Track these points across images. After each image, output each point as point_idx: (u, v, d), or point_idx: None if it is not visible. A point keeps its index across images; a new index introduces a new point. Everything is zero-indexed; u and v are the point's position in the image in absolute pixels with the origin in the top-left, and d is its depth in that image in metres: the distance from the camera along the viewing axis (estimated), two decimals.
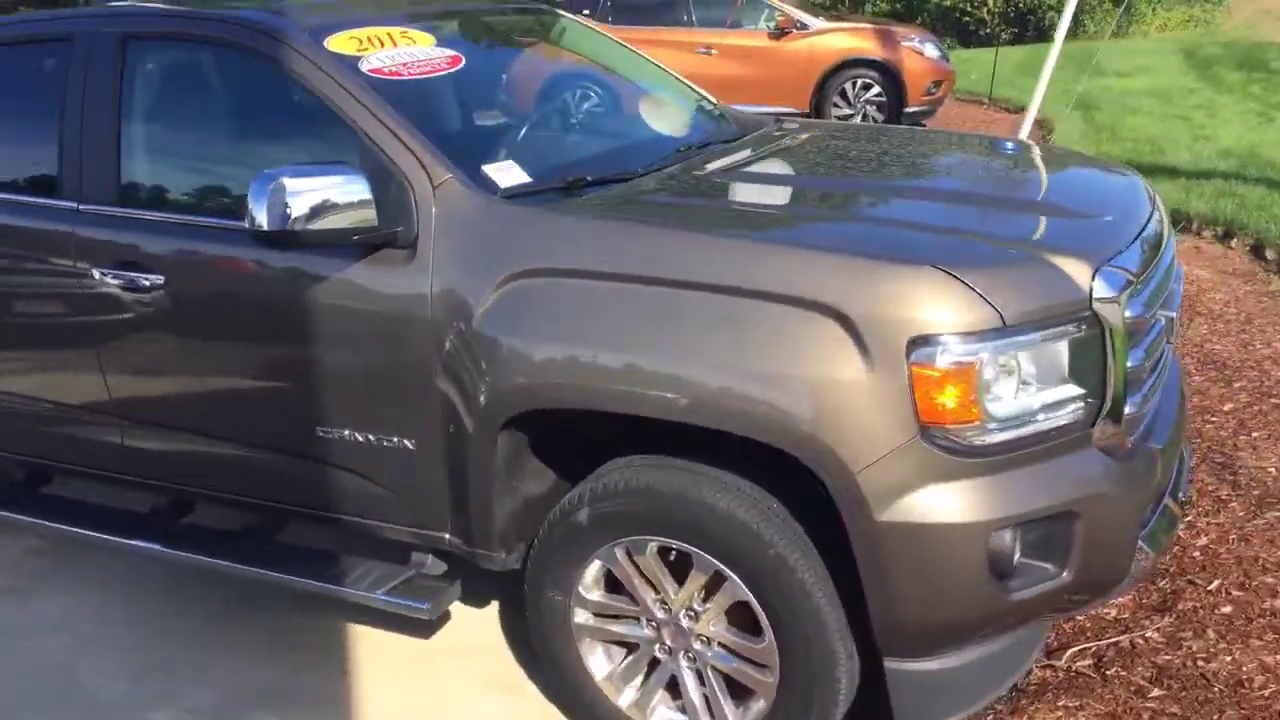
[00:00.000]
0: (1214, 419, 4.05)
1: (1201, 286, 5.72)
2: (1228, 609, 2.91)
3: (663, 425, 2.37)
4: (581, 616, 2.64)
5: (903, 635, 2.30)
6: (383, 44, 2.93)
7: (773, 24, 11.41)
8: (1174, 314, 2.67)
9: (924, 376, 2.14)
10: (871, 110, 11.41)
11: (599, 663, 2.67)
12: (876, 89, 11.32)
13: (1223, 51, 16.04)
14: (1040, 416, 2.25)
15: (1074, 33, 22.07)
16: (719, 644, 2.52)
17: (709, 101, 3.81)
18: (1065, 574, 2.33)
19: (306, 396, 2.79)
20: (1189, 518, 3.36)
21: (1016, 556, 2.28)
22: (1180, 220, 6.93)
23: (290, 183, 2.44)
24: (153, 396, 3.10)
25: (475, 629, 3.24)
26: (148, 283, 2.92)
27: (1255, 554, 3.14)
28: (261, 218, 2.45)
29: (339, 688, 3.05)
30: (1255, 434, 3.89)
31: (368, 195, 2.51)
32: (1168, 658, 2.75)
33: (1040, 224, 2.58)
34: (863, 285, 2.19)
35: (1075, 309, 2.25)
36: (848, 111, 11.42)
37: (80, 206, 3.04)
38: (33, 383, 3.30)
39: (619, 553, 2.52)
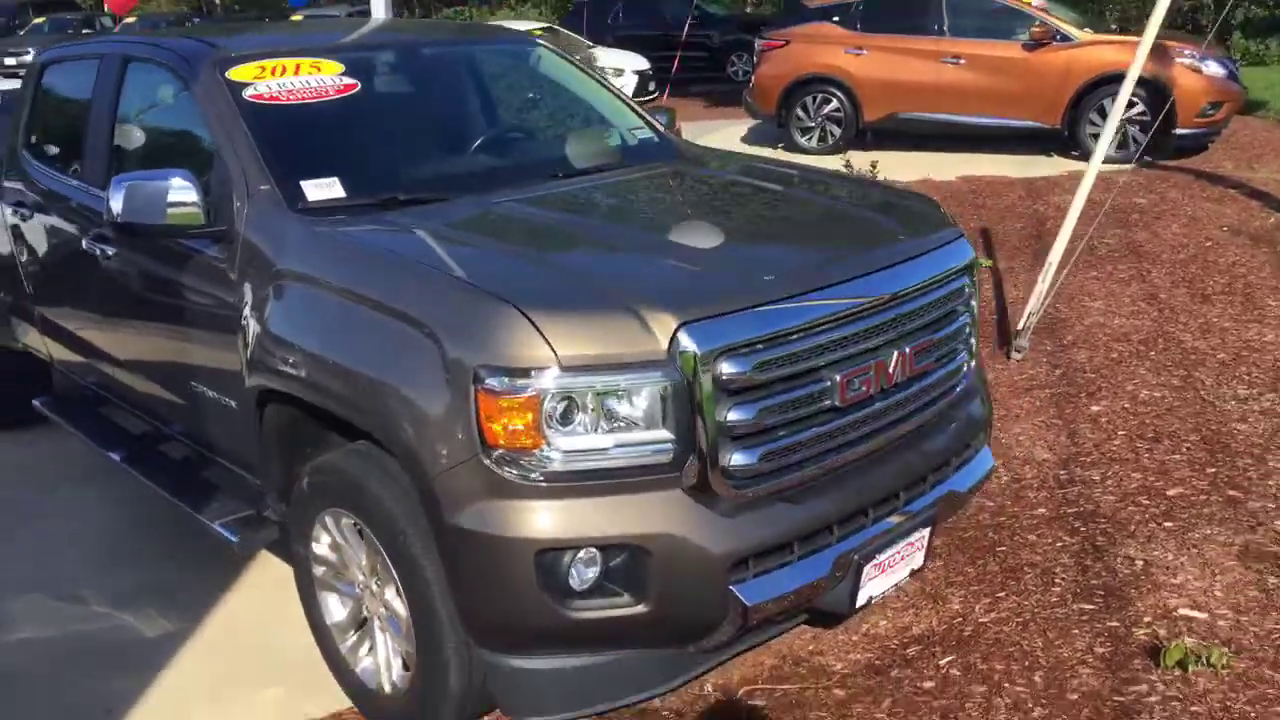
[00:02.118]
0: (1147, 501, 3.70)
1: None
2: (929, 684, 2.82)
3: None
4: (318, 570, 3.09)
5: (475, 630, 2.56)
6: (283, 72, 3.50)
7: (1027, 35, 10.80)
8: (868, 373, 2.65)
9: (485, 402, 2.39)
10: (1134, 131, 10.51)
11: (333, 611, 3.11)
12: (1140, 107, 10.39)
13: None
14: (612, 454, 2.42)
15: None
16: (392, 613, 2.88)
17: (649, 130, 4.03)
18: (642, 605, 2.48)
19: (180, 354, 3.46)
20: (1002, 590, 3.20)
21: (579, 577, 2.45)
22: None
23: (137, 185, 3.08)
24: (123, 347, 3.91)
25: None
26: (111, 252, 3.71)
27: (1018, 641, 2.97)
28: (115, 210, 3.11)
29: (220, 598, 3.71)
30: (1169, 525, 3.54)
31: (195, 198, 3.09)
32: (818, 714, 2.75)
33: (667, 273, 2.63)
34: (453, 313, 2.47)
35: (650, 358, 2.38)
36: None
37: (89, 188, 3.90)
38: (71, 322, 4.24)
39: (328, 520, 2.95)
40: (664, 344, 2.39)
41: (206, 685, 3.23)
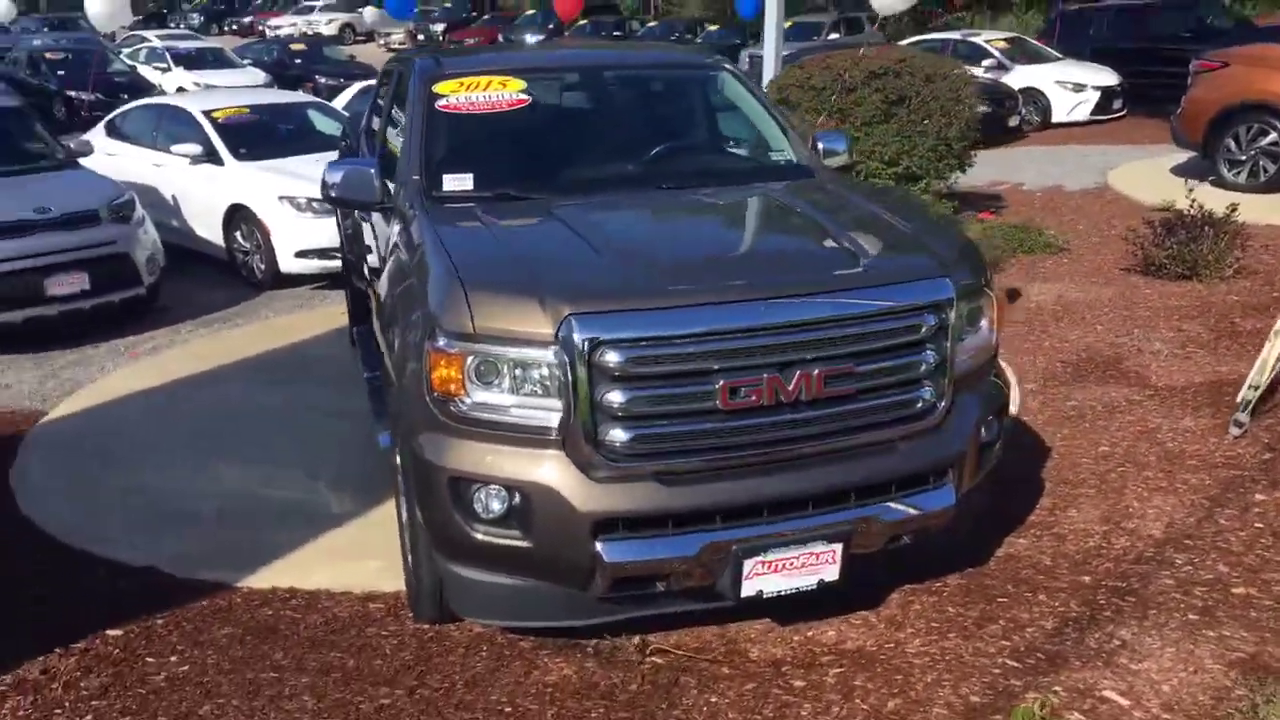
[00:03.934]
0: (1201, 593, 3.37)
1: None
2: (799, 684, 2.99)
3: None
4: (400, 480, 3.90)
5: (430, 537, 3.24)
6: (476, 87, 4.37)
7: None
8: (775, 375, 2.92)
9: (432, 354, 3.06)
10: None
11: (404, 513, 3.89)
12: None
13: None
14: (513, 412, 2.99)
15: None
16: None
17: (792, 154, 4.35)
18: (526, 541, 3.03)
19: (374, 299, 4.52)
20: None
21: (483, 506, 3.04)
22: None
23: (340, 167, 4.15)
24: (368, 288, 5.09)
25: None
26: (360, 215, 4.89)
27: (912, 674, 3.01)
28: (329, 184, 4.19)
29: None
30: (1194, 618, 3.22)
31: (376, 182, 4.09)
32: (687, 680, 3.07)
33: (591, 270, 3.14)
34: (433, 283, 3.18)
35: (544, 339, 2.90)
36: None
37: None
38: (359, 267, 5.53)
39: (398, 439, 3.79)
40: (553, 328, 2.90)
41: (336, 549, 4.25)
